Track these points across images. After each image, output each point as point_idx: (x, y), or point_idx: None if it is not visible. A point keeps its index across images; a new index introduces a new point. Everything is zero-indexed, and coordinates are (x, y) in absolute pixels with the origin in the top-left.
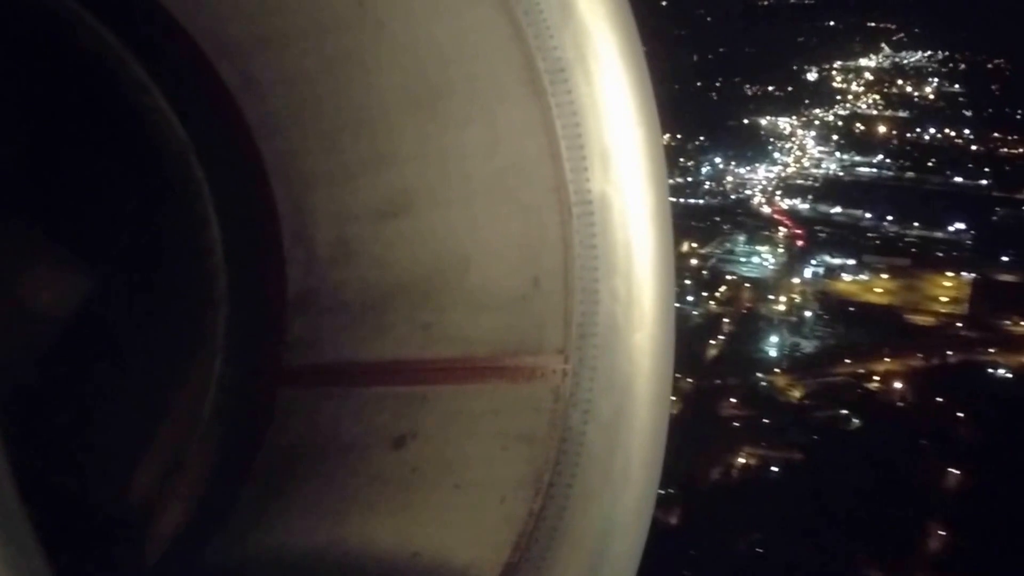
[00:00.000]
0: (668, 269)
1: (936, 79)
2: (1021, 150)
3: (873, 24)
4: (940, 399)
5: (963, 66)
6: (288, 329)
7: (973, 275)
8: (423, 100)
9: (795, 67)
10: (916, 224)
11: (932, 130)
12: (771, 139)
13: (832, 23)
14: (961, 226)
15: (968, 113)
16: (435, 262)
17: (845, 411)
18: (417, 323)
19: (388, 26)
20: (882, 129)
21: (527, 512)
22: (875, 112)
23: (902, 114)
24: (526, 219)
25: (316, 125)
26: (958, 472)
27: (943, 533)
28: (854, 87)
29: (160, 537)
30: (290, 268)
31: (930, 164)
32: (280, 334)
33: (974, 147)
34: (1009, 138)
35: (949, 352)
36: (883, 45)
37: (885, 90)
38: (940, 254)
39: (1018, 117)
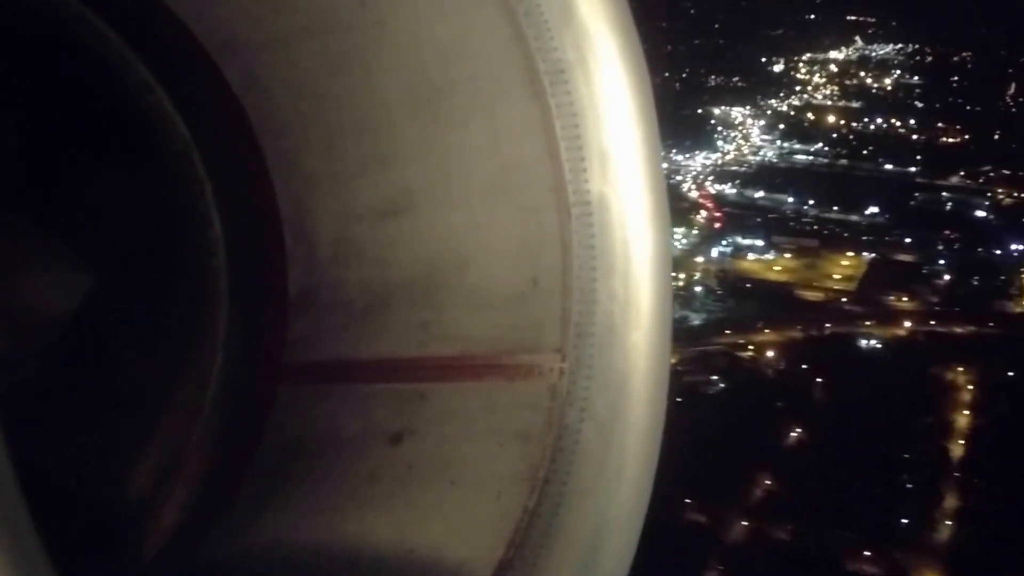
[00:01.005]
0: (665, 270)
1: (899, 71)
2: (958, 139)
3: (853, 18)
4: (805, 366)
5: (929, 59)
6: (289, 327)
7: (872, 255)
8: (424, 100)
9: (764, 59)
10: (835, 208)
11: (879, 120)
12: (719, 128)
13: (812, 16)
14: (876, 210)
15: (920, 104)
16: (435, 261)
17: (713, 376)
18: (416, 322)
19: (390, 26)
20: (831, 119)
21: (522, 509)
22: (829, 103)
23: (855, 105)
24: (525, 219)
25: (318, 125)
26: (800, 430)
27: (769, 483)
28: (816, 78)
29: (159, 532)
30: (291, 267)
31: (865, 152)
32: (280, 332)
33: (914, 136)
34: (950, 128)
35: (828, 325)
36: (856, 38)
37: (845, 81)
38: (848, 235)
39: (967, 108)
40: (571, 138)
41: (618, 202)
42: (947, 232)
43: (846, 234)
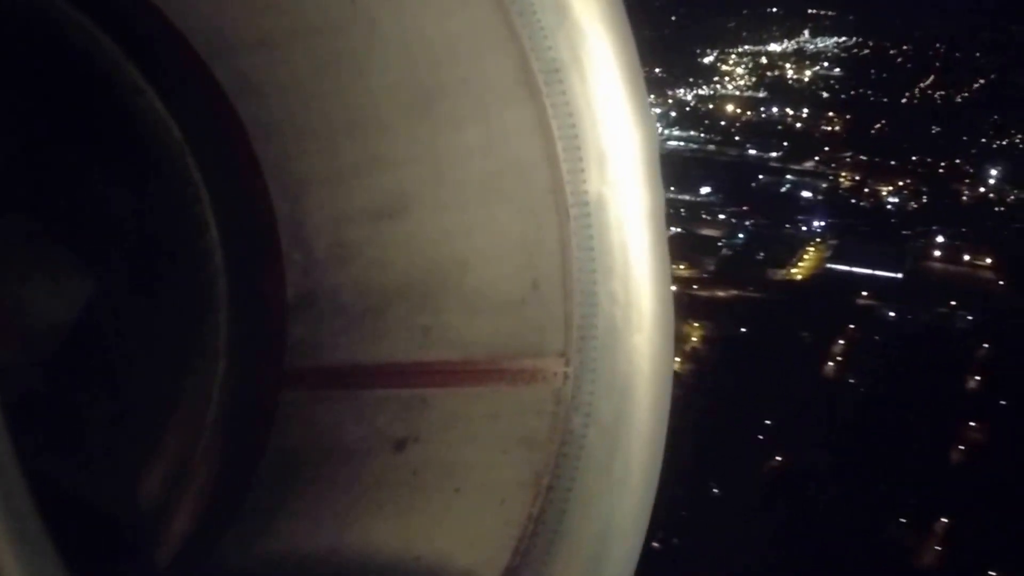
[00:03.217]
0: (665, 271)
1: (826, 63)
2: (838, 128)
3: (813, 11)
4: None
5: (865, 52)
6: (288, 332)
7: (677, 229)
8: (417, 101)
9: (697, 50)
10: (672, 188)
11: (775, 110)
12: None
13: (774, 9)
14: (709, 190)
15: (825, 95)
16: (432, 264)
17: None
18: (416, 326)
19: (381, 27)
20: (729, 108)
21: (527, 515)
22: (737, 93)
23: (760, 95)
24: (523, 221)
25: (311, 127)
26: None
27: None
28: (739, 70)
29: (169, 541)
30: (289, 271)
31: (736, 138)
32: (281, 337)
33: (798, 125)
34: (837, 117)
35: None
36: (804, 31)
37: (768, 73)
38: (669, 212)
39: (870, 99)
40: (568, 138)
41: (616, 203)
42: (746, 208)
43: (669, 211)
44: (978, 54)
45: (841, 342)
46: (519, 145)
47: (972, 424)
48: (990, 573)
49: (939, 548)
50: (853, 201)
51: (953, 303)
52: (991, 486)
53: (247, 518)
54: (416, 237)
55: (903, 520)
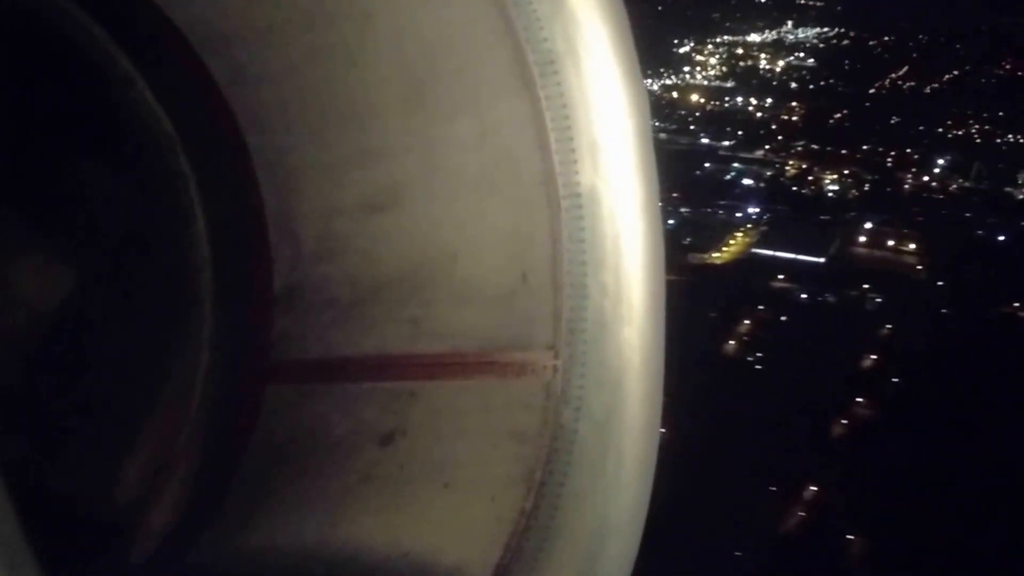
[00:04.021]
0: (658, 263)
1: (801, 53)
2: (797, 118)
3: (801, 1)
4: None
5: (845, 43)
6: (274, 324)
7: None
8: (410, 93)
9: (675, 40)
10: None
11: (739, 99)
12: None
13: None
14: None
15: (794, 85)
16: (422, 256)
17: None
18: (404, 318)
19: (374, 18)
20: (693, 98)
21: (518, 511)
22: (705, 83)
23: (728, 85)
24: (515, 213)
25: (302, 118)
26: None
27: None
28: (712, 60)
29: (148, 536)
30: (276, 263)
31: (691, 128)
32: (266, 329)
33: (759, 114)
34: (800, 108)
35: None
36: (788, 22)
37: (741, 63)
38: None
39: (838, 90)
40: (561, 130)
41: (609, 195)
42: (677, 195)
43: None
44: (959, 46)
45: (747, 322)
46: (512, 137)
47: (859, 400)
48: (848, 536)
49: (803, 514)
50: (795, 189)
51: (866, 286)
52: (866, 458)
53: (229, 513)
54: (406, 229)
55: (773, 488)
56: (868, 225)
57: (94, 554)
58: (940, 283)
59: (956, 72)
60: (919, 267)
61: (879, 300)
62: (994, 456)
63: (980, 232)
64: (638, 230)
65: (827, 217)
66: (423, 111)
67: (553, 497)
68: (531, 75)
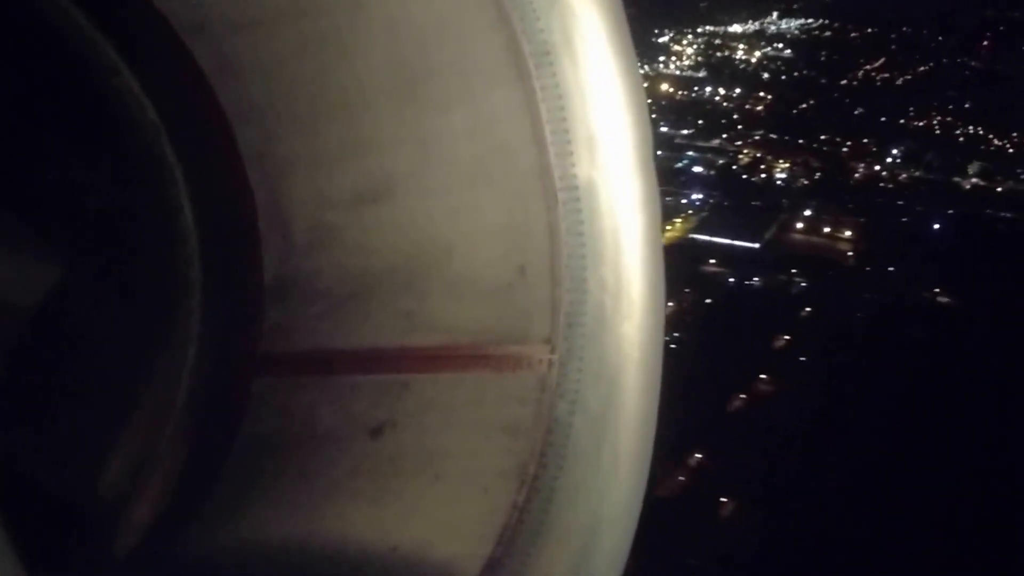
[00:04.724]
0: (657, 257)
1: (780, 44)
2: (761, 108)
3: None
4: None
5: (827, 34)
6: (264, 317)
7: None
8: (403, 83)
9: (656, 30)
10: None
11: (708, 89)
12: None
13: None
14: None
15: (766, 76)
16: (416, 249)
17: None
18: (398, 311)
19: (366, 7)
20: (663, 87)
21: (511, 505)
22: (678, 73)
23: (700, 75)
24: (510, 205)
25: (292, 109)
26: None
27: None
28: (689, 50)
29: (133, 529)
30: (266, 254)
31: (652, 116)
32: (256, 322)
33: (725, 104)
34: (767, 98)
35: None
36: (773, 13)
37: (717, 54)
38: None
39: (809, 81)
40: (557, 121)
41: (607, 188)
42: None
43: None
44: (941, 38)
45: (670, 304)
46: (506, 128)
47: (762, 377)
48: (721, 499)
49: (682, 479)
50: (744, 177)
51: (794, 271)
52: (756, 430)
53: (216, 505)
54: (400, 221)
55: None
56: (807, 212)
57: (77, 547)
58: (867, 269)
59: (932, 64)
60: (850, 253)
61: (804, 284)
62: (882, 429)
63: (918, 220)
64: (637, 224)
65: (770, 204)
66: (416, 102)
67: (546, 491)
68: (526, 66)
